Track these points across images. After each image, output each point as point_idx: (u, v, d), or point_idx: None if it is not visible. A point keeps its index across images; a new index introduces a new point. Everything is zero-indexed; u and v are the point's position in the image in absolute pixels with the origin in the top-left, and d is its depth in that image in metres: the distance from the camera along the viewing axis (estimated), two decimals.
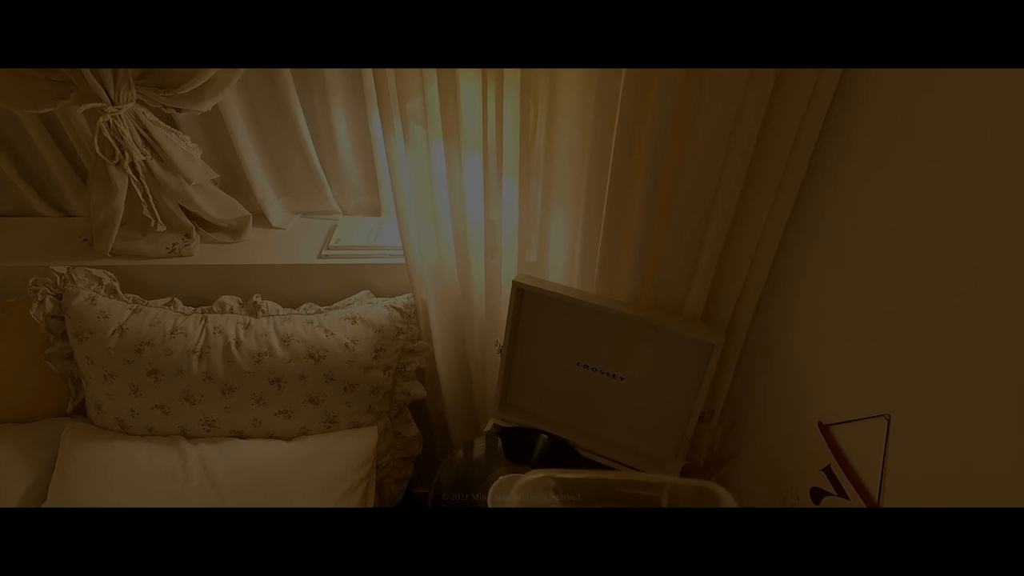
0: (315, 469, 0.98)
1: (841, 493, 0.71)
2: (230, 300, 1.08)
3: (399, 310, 1.08)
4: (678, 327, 0.85)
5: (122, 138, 0.98)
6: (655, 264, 0.85)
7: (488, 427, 1.03)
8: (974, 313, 0.50)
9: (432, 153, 0.89)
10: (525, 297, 0.93)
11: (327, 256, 1.12)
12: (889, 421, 0.62)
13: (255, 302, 1.07)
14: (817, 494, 0.76)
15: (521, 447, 0.98)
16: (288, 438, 1.04)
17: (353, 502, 0.97)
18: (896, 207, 0.60)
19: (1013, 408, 0.46)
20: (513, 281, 0.91)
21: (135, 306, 1.04)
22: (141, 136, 1.01)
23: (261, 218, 1.20)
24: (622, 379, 0.95)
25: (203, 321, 1.03)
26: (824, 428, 0.74)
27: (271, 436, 1.03)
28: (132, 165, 1.02)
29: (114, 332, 1.00)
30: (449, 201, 0.92)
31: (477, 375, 1.19)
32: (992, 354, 0.48)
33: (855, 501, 0.67)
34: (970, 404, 0.50)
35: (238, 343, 1.01)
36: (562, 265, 0.97)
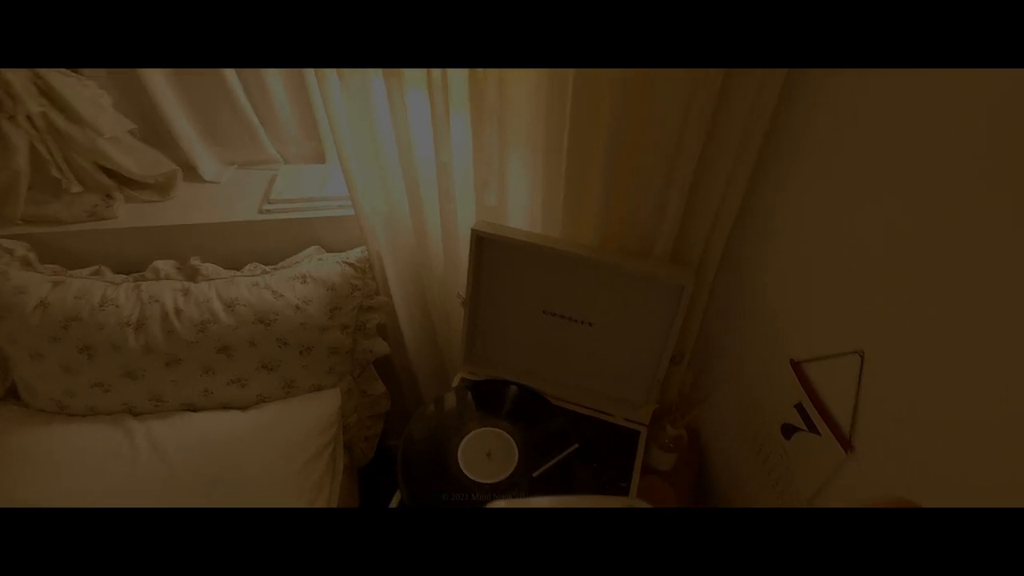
0: (275, 437, 0.93)
1: (812, 429, 0.70)
2: (164, 265, 0.99)
3: (352, 265, 1.01)
4: (647, 270, 0.82)
5: (10, 86, 0.85)
6: (621, 207, 0.80)
7: (456, 382, 1.00)
8: (949, 249, 0.48)
9: (372, 92, 0.80)
10: (485, 245, 0.88)
11: (269, 211, 1.03)
12: (863, 358, 0.61)
13: (193, 266, 0.98)
14: (788, 430, 0.75)
15: (491, 399, 0.95)
16: (244, 407, 0.98)
17: (319, 466, 0.94)
18: (869, 141, 0.57)
19: (985, 343, 0.45)
20: (472, 229, 0.85)
21: (56, 278, 0.94)
22: (34, 84, 0.87)
23: (192, 172, 1.09)
24: (591, 325, 0.91)
25: (136, 290, 0.94)
26: (796, 365, 0.73)
27: (226, 407, 0.98)
28: (29, 118, 0.89)
29: (35, 308, 0.91)
30: (395, 143, 0.83)
31: (441, 327, 1.14)
32: (966, 290, 0.46)
33: (826, 436, 0.67)
34: (944, 340, 0.49)
35: (178, 312, 0.93)
36: (523, 209, 0.91)
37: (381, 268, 1.03)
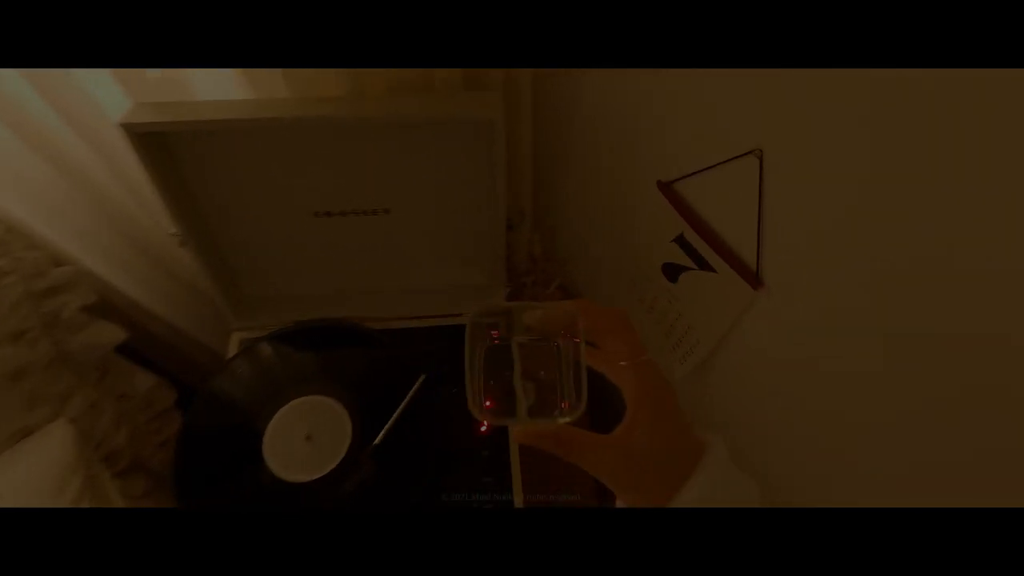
0: None
1: (702, 264, 0.53)
2: None
3: None
4: (434, 109, 0.53)
5: None
6: None
7: (233, 349, 0.70)
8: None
9: None
10: (164, 144, 0.52)
11: None
12: (762, 158, 0.42)
13: None
14: (672, 271, 0.58)
15: (292, 357, 0.67)
16: None
17: None
18: None
19: (898, 124, 0.32)
20: (120, 123, 0.49)
21: None
22: None
23: None
24: (387, 212, 0.64)
25: None
26: (666, 187, 0.53)
27: None
28: None
29: None
30: None
31: (186, 273, 0.79)
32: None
33: (724, 273, 0.50)
34: (849, 133, 0.35)
35: None
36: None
37: (29, 227, 0.62)
